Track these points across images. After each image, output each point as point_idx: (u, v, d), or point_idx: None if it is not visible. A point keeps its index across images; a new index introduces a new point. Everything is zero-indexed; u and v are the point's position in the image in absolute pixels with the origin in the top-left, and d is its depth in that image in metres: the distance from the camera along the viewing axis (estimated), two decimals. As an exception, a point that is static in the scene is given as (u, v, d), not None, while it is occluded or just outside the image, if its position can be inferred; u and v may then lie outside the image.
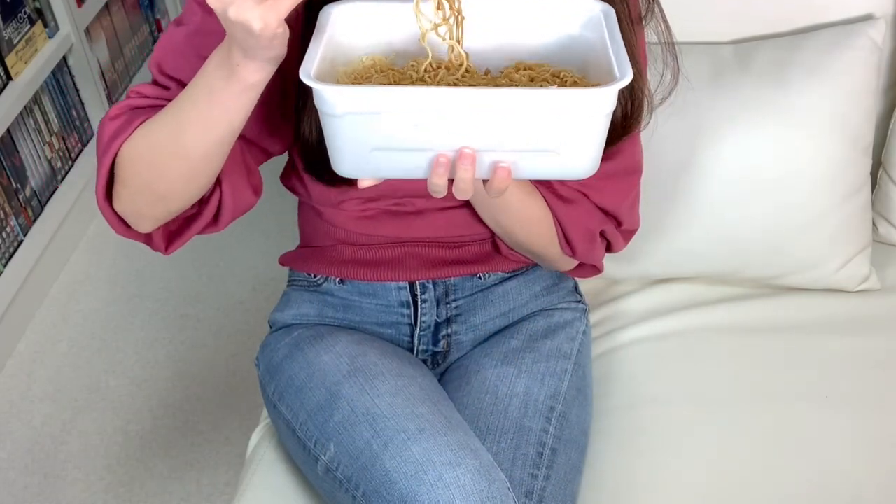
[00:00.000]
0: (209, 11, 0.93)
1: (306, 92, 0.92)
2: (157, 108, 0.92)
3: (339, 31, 0.88)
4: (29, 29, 2.14)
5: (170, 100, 0.90)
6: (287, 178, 1.13)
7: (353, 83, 0.87)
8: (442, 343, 1.16)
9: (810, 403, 1.18)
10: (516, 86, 0.86)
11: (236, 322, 2.06)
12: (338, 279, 1.14)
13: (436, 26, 0.88)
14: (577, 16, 0.91)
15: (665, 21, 1.01)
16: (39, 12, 2.20)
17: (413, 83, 0.86)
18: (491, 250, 1.14)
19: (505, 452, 1.02)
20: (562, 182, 1.05)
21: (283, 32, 0.75)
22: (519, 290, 1.17)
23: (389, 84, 0.86)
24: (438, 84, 0.86)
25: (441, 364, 1.18)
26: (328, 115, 0.80)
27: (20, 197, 2.11)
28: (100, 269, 2.24)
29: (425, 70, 0.88)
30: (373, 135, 0.80)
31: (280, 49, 0.77)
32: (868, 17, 1.30)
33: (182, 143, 0.87)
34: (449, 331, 1.15)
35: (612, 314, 1.34)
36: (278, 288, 1.83)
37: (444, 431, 0.94)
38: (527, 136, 0.80)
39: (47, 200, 2.22)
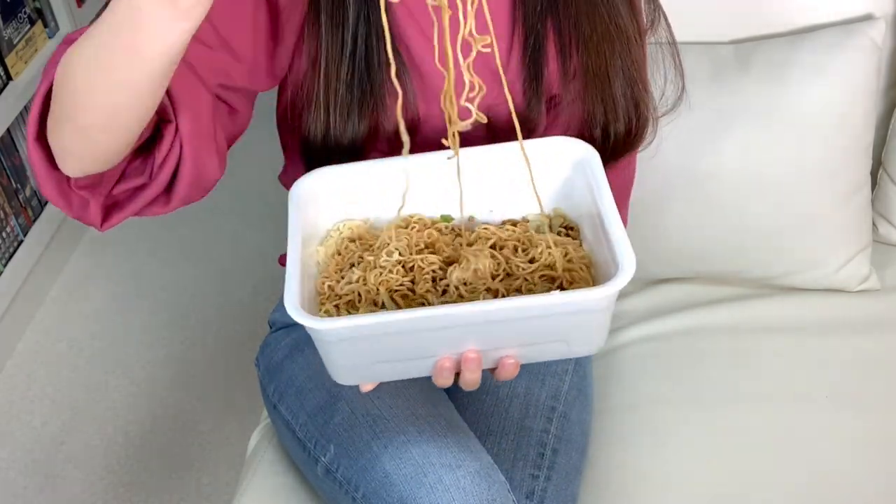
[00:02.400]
0: None
1: (310, 87, 0.92)
2: None
3: (308, 208, 0.87)
4: (29, 29, 2.14)
5: None
6: (286, 178, 1.13)
7: (335, 262, 0.88)
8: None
9: (810, 403, 1.18)
10: (507, 282, 0.86)
11: (236, 322, 2.06)
12: None
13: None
14: (565, 156, 0.90)
15: (671, 32, 1.00)
16: (39, 12, 2.19)
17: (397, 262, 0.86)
18: None
19: (505, 453, 1.02)
20: None
21: None
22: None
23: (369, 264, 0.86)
24: (422, 273, 0.86)
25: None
26: (321, 342, 0.79)
27: (20, 197, 2.11)
28: (100, 269, 2.24)
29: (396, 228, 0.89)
30: (371, 353, 0.80)
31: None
32: (868, 17, 1.30)
33: (95, 68, 0.70)
34: None
35: (612, 315, 1.34)
36: (278, 288, 1.82)
37: (443, 433, 0.94)
38: (532, 335, 0.80)
39: (47, 200, 2.22)
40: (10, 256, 2.05)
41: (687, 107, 1.20)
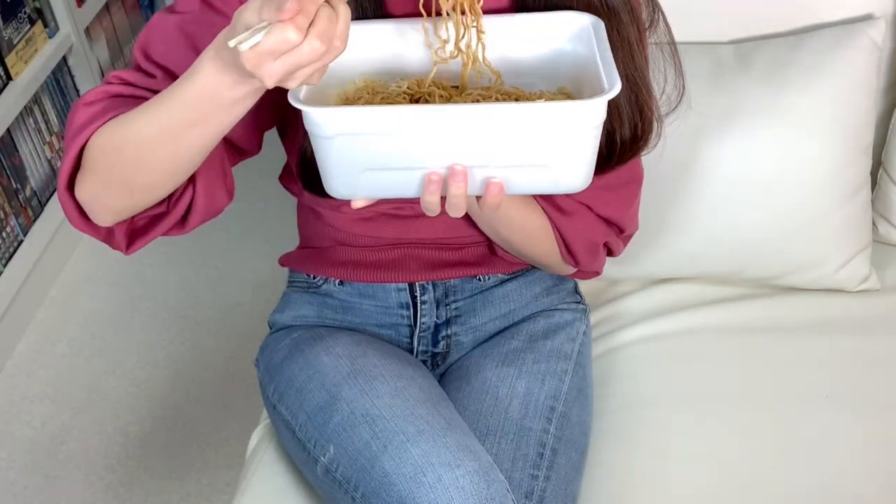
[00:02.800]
0: (208, 4, 0.91)
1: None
2: (139, 98, 0.88)
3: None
4: (29, 29, 2.14)
5: (154, 90, 0.87)
6: (287, 179, 1.13)
7: (342, 105, 0.87)
8: (442, 344, 1.15)
9: (810, 403, 1.18)
10: (505, 100, 0.86)
11: (236, 323, 2.06)
12: (337, 280, 1.14)
13: (444, 43, 0.88)
14: (566, 30, 0.91)
15: (670, 32, 1.00)
16: (39, 12, 2.20)
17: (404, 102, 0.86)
18: (491, 252, 1.14)
19: (505, 453, 1.02)
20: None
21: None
22: (519, 292, 1.17)
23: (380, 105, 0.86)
24: (429, 101, 0.86)
25: (441, 365, 1.18)
26: (318, 137, 0.80)
27: (20, 197, 2.11)
28: (100, 269, 2.24)
29: (409, 88, 0.88)
30: (363, 155, 0.81)
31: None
32: (868, 17, 1.30)
33: (165, 141, 0.83)
34: (448, 332, 1.15)
35: (612, 314, 1.34)
36: (278, 289, 1.82)
37: (443, 433, 0.94)
38: (517, 151, 0.80)
39: (47, 200, 2.22)
40: (10, 256, 2.05)
41: (687, 107, 1.20)
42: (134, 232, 0.96)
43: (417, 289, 1.12)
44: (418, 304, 1.13)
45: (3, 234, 2.03)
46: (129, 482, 1.76)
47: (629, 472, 1.12)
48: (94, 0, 2.41)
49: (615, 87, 0.78)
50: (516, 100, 0.87)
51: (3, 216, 2.03)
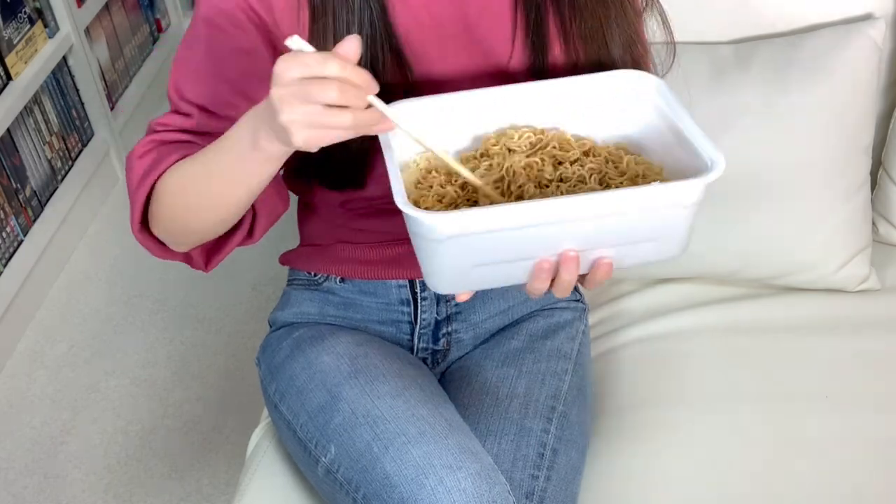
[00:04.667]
0: (213, 24, 0.94)
1: None
2: (184, 142, 0.95)
3: (393, 143, 0.88)
4: (29, 29, 2.14)
5: (196, 130, 0.95)
6: (287, 177, 1.14)
7: (419, 191, 0.89)
8: (442, 341, 1.16)
9: (810, 403, 1.18)
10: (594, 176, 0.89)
11: (236, 322, 2.06)
12: (338, 278, 1.14)
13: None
14: (629, 89, 0.93)
15: (663, 16, 1.02)
16: (39, 12, 2.20)
17: (490, 184, 0.87)
18: None
19: (506, 453, 1.02)
20: None
21: None
22: (518, 288, 1.17)
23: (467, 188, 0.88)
24: (522, 191, 0.87)
25: (441, 363, 1.18)
26: (426, 240, 0.79)
27: (20, 197, 2.11)
28: (100, 269, 2.24)
29: (482, 155, 0.91)
30: (475, 254, 0.80)
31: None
32: (868, 17, 1.30)
33: (211, 192, 0.90)
34: (449, 329, 1.15)
35: (612, 314, 1.34)
36: (278, 287, 1.82)
37: (444, 434, 0.94)
38: (630, 231, 0.82)
39: (47, 200, 2.22)
40: (10, 256, 2.05)
41: (687, 106, 1.20)
42: (209, 251, 1.03)
43: (418, 285, 1.13)
44: (419, 301, 1.13)
45: (3, 234, 2.03)
46: (129, 482, 1.76)
47: (629, 472, 1.12)
48: (94, 0, 2.41)
49: (719, 164, 0.81)
50: (604, 179, 0.89)
51: (3, 216, 2.03)
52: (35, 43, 2.16)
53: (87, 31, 2.38)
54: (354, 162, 1.00)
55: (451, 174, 0.89)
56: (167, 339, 2.04)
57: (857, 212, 1.30)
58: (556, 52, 1.00)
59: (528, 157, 0.90)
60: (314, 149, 0.77)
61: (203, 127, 0.96)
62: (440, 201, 0.88)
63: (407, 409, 0.97)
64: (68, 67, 2.33)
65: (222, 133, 0.88)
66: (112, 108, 2.51)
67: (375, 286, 1.13)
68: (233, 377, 1.93)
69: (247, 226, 1.00)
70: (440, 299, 1.14)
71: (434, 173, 0.90)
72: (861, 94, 1.27)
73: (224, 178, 0.88)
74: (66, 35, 2.27)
